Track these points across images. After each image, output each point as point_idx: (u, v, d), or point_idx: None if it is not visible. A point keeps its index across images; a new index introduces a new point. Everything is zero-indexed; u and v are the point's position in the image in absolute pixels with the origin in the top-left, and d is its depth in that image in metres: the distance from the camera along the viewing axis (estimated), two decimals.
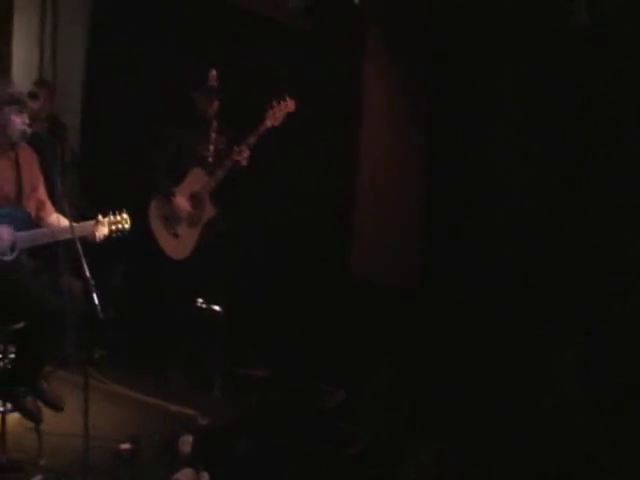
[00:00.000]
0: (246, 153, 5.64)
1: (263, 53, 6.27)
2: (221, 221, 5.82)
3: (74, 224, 4.13)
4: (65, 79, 6.61)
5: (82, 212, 5.15)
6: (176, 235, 5.73)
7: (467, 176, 6.36)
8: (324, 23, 6.51)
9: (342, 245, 6.54)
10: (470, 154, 6.34)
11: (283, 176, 6.40)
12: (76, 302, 4.02)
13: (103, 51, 6.52)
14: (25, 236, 4.17)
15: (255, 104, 5.75)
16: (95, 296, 3.84)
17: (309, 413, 5.28)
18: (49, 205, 4.43)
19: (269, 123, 5.66)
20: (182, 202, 5.71)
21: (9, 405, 4.18)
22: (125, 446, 4.51)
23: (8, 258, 4.11)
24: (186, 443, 4.59)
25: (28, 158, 4.36)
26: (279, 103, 5.69)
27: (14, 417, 4.30)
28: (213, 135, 5.75)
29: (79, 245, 3.96)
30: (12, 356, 4.23)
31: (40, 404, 4.26)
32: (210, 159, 5.73)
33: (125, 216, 4.54)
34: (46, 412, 4.27)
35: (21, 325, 4.10)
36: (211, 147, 5.74)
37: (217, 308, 5.44)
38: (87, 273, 3.88)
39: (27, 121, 4.23)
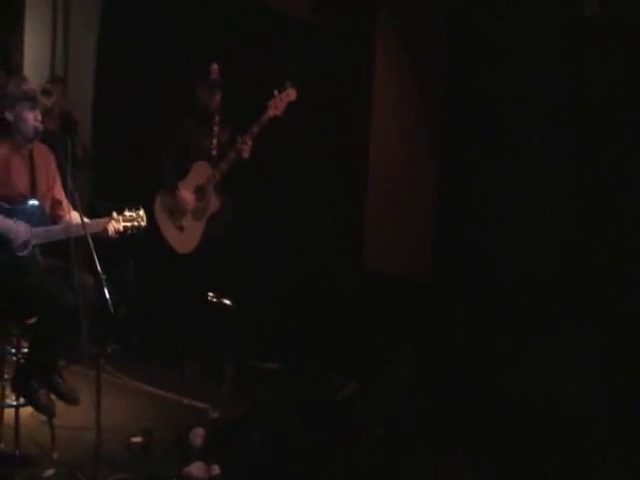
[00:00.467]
0: (249, 144, 5.62)
1: (272, 47, 6.29)
2: (227, 213, 5.84)
3: (88, 221, 4.16)
4: (77, 76, 6.63)
5: (94, 208, 5.20)
6: (182, 228, 5.74)
7: (478, 170, 6.37)
8: (333, 17, 6.53)
9: (354, 238, 6.56)
10: (481, 148, 6.34)
11: (295, 170, 6.43)
12: (88, 297, 4.05)
13: (114, 48, 6.54)
14: (39, 232, 4.19)
15: (264, 99, 5.75)
16: (107, 291, 3.88)
17: (320, 405, 5.30)
18: (66, 203, 4.42)
19: (271, 113, 5.62)
20: (187, 195, 5.72)
21: (22, 399, 4.21)
22: (137, 439, 4.54)
23: (23, 254, 4.14)
24: (198, 436, 4.61)
25: (44, 157, 4.38)
26: (280, 92, 5.66)
27: (27, 411, 4.33)
28: (216, 129, 5.74)
29: (91, 241, 4.00)
30: (25, 350, 4.26)
31: (53, 398, 4.27)
32: (214, 152, 5.73)
33: (141, 213, 4.52)
34: (59, 406, 4.29)
35: (34, 320, 4.12)
36: (214, 140, 5.74)
37: (228, 302, 5.46)
38: (99, 268, 3.92)
39: (40, 118, 4.24)
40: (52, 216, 4.37)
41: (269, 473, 4.47)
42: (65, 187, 4.38)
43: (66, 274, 4.08)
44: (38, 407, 4.23)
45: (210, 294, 5.31)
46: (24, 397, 4.20)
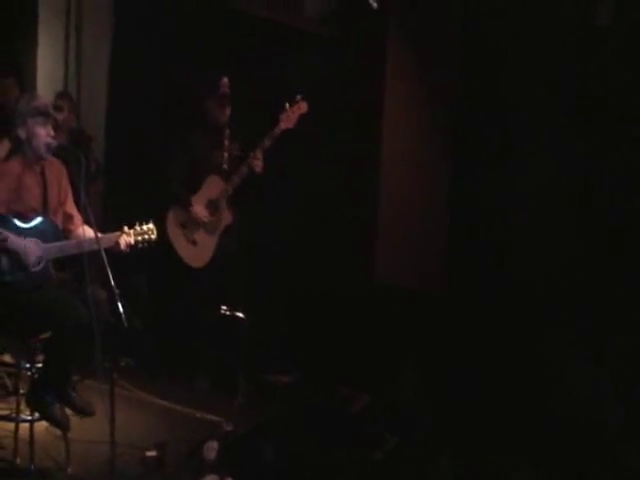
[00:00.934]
0: (260, 158, 5.65)
1: (281, 60, 6.32)
2: (239, 227, 5.84)
3: (100, 235, 4.19)
4: (89, 90, 6.67)
5: (107, 223, 5.21)
6: (195, 242, 5.75)
7: (490, 176, 6.37)
8: (343, 29, 6.55)
9: (365, 248, 6.56)
10: (493, 155, 6.34)
11: (306, 179, 6.44)
12: (101, 311, 4.07)
13: (126, 62, 6.58)
14: (52, 248, 4.21)
15: (274, 112, 5.77)
16: (120, 305, 3.90)
17: (334, 418, 5.30)
18: (78, 218, 4.44)
19: (283, 126, 5.65)
20: (200, 209, 5.73)
21: (37, 414, 4.22)
22: (151, 453, 4.53)
23: (36, 269, 4.16)
24: (211, 449, 4.60)
25: (56, 172, 4.40)
26: (291, 105, 5.69)
27: (42, 425, 4.34)
28: (226, 142, 5.75)
29: (104, 255, 4.02)
30: (40, 365, 4.28)
31: (68, 412, 4.28)
32: (225, 166, 5.74)
33: (151, 226, 4.55)
34: (73, 420, 4.30)
35: (49, 335, 4.14)
36: (225, 154, 5.75)
37: (241, 315, 5.47)
38: (112, 282, 3.94)
39: (52, 133, 4.27)
40: (64, 230, 4.38)
41: None
42: (78, 201, 4.41)
43: (79, 288, 4.11)
44: (53, 421, 4.24)
45: (223, 307, 5.32)
46: (39, 412, 4.21)
